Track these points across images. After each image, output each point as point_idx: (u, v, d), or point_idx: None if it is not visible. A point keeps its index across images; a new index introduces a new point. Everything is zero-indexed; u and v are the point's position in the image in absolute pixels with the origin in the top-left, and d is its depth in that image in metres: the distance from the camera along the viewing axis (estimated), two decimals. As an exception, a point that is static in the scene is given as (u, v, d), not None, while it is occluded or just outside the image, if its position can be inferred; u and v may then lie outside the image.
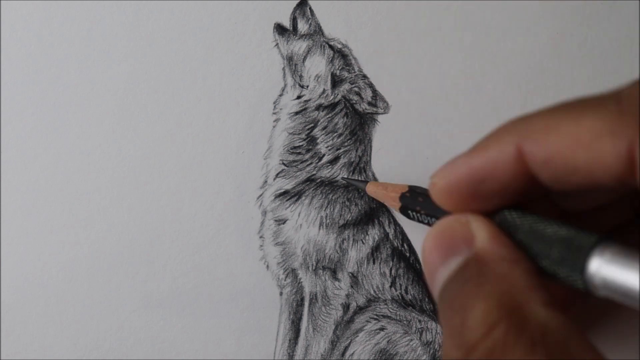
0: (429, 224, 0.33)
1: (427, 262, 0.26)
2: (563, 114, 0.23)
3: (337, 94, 0.41)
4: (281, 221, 0.41)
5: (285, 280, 0.42)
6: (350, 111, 0.41)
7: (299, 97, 0.41)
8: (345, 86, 0.41)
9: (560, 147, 0.23)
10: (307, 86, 0.41)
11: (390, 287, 0.41)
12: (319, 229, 0.41)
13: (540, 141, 0.23)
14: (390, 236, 0.41)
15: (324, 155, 0.41)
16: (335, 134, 0.41)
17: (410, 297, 0.42)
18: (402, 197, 0.35)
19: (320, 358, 0.42)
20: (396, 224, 0.41)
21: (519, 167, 0.24)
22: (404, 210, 0.35)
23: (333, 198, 0.41)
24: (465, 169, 0.25)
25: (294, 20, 0.40)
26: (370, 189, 0.39)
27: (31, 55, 0.40)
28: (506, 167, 0.24)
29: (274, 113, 0.41)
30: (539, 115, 0.24)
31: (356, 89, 0.41)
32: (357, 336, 0.42)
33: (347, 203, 0.41)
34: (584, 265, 0.23)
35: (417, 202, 0.34)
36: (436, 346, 0.41)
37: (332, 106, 0.41)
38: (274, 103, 0.41)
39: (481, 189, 0.25)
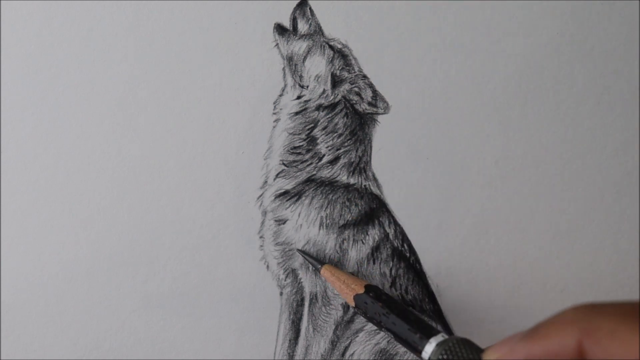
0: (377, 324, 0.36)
1: None
2: (631, 319, 0.23)
3: (337, 94, 0.41)
4: (281, 221, 0.41)
5: (285, 280, 0.42)
6: (350, 111, 0.41)
7: (299, 97, 0.41)
8: (345, 86, 0.41)
9: (624, 355, 0.22)
10: (307, 86, 0.41)
11: (390, 287, 0.41)
12: (319, 229, 0.41)
13: (604, 345, 0.23)
14: (391, 236, 0.41)
15: (324, 155, 0.41)
16: (335, 134, 0.41)
17: (410, 297, 0.42)
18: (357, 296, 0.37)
19: (321, 358, 0.42)
20: (396, 224, 0.41)
21: None
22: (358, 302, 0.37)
23: (333, 198, 0.41)
24: (522, 355, 0.25)
25: (294, 21, 0.40)
26: (326, 274, 0.39)
27: (31, 55, 0.40)
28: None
29: (274, 113, 0.41)
30: (605, 314, 0.24)
31: (356, 89, 0.41)
32: (357, 336, 0.42)
33: (347, 203, 0.41)
34: None
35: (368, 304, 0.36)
36: (436, 346, 0.41)
37: (332, 106, 0.41)
38: (274, 103, 0.41)
39: None
